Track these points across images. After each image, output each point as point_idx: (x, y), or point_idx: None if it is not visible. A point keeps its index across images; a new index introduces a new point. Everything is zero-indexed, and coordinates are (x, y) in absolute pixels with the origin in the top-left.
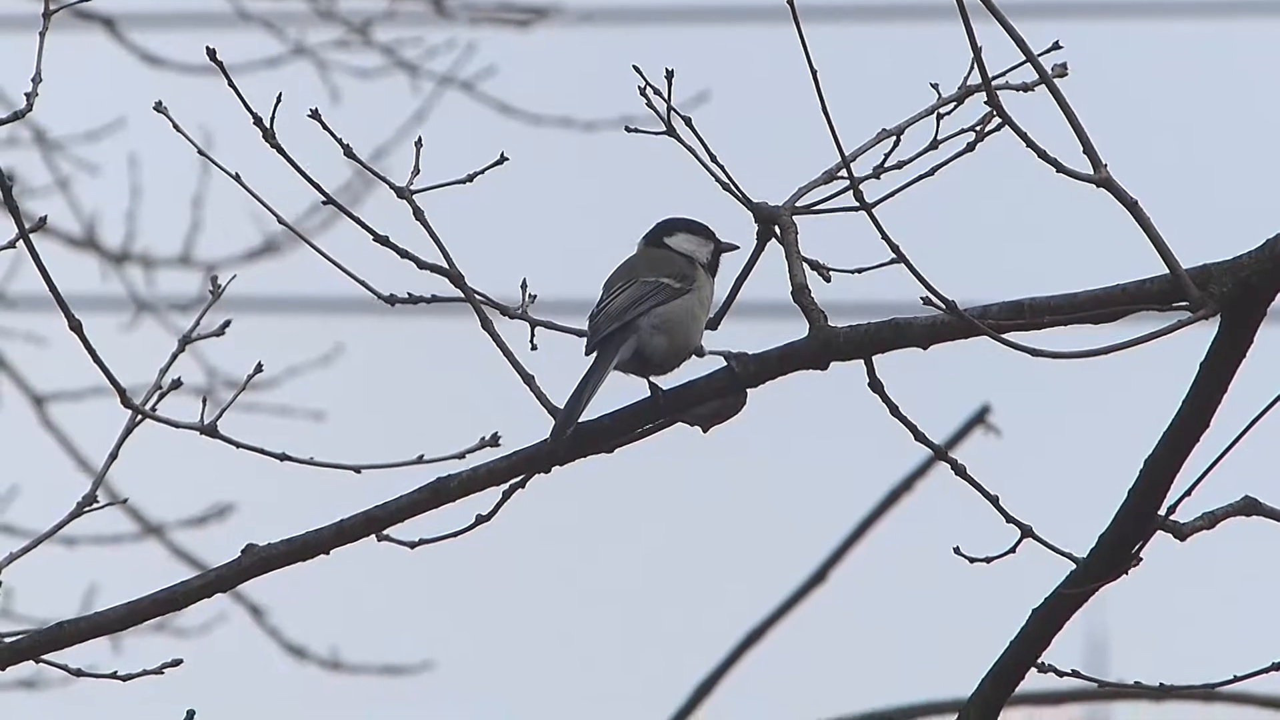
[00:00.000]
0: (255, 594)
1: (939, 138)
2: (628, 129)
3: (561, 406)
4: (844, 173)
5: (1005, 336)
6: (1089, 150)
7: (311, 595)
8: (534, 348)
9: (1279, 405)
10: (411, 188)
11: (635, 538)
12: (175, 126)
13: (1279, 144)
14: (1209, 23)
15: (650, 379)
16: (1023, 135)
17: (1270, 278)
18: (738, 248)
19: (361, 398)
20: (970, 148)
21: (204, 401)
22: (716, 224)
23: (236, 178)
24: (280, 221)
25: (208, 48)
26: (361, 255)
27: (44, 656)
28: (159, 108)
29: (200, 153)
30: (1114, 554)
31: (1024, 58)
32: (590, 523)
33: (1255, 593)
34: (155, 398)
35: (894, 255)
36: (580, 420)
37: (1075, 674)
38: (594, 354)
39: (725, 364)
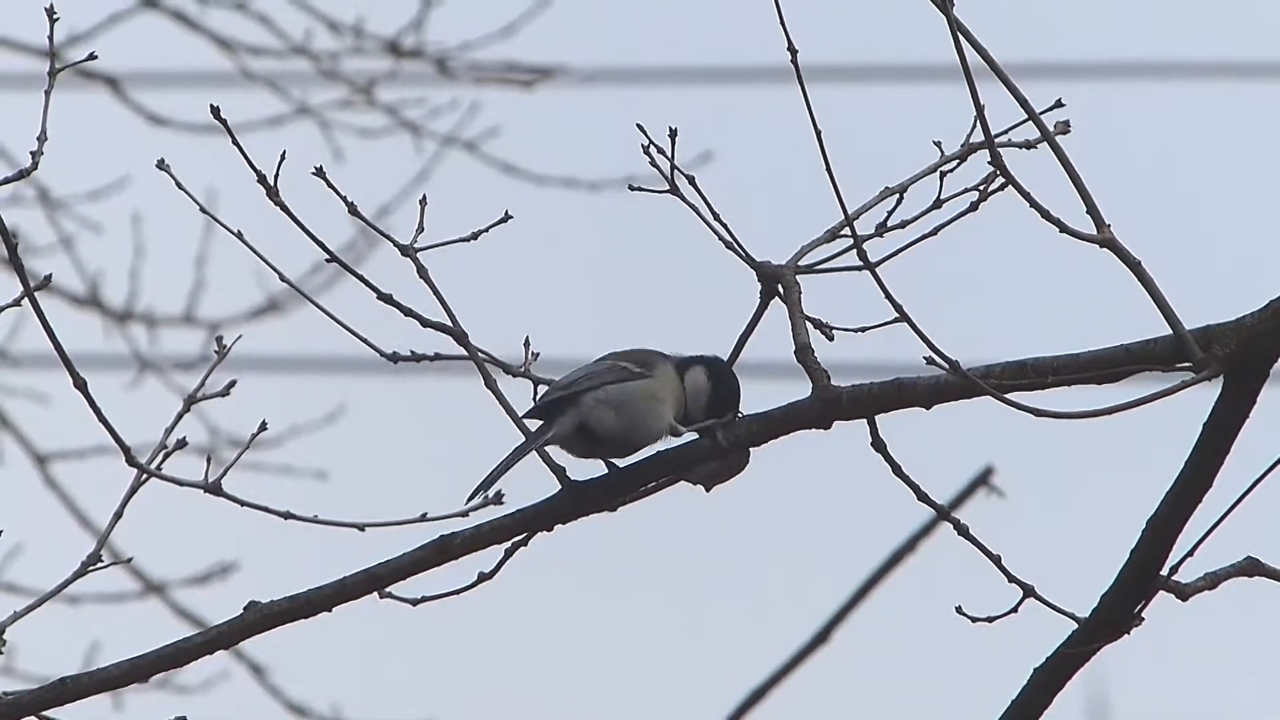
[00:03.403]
0: (256, 652)
1: (942, 196)
2: (631, 188)
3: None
4: (847, 231)
5: (1009, 396)
6: (1092, 210)
7: (314, 654)
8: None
9: None
10: (416, 246)
11: (637, 596)
12: (178, 185)
13: None
14: (1212, 84)
15: (606, 459)
16: (1025, 194)
17: (1273, 339)
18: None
19: (364, 456)
20: (974, 206)
21: (208, 460)
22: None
23: (239, 236)
24: (285, 281)
25: (212, 105)
26: (364, 314)
27: (46, 713)
28: (162, 165)
29: (203, 210)
30: (1116, 614)
31: (1027, 116)
32: (592, 581)
33: (1256, 653)
34: (161, 457)
35: (897, 314)
36: (495, 479)
37: None
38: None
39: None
